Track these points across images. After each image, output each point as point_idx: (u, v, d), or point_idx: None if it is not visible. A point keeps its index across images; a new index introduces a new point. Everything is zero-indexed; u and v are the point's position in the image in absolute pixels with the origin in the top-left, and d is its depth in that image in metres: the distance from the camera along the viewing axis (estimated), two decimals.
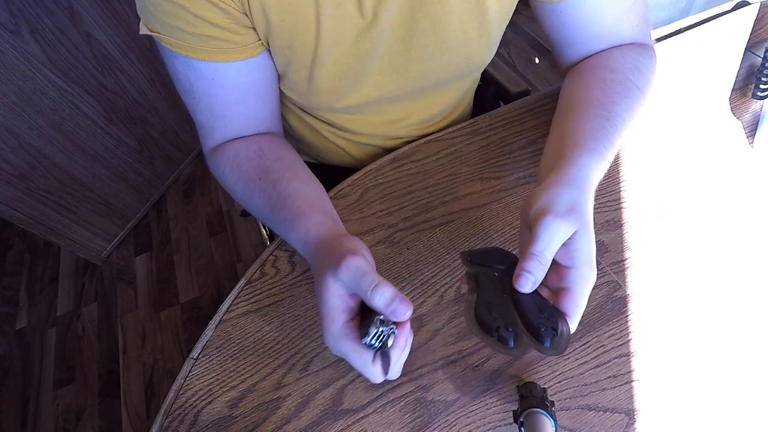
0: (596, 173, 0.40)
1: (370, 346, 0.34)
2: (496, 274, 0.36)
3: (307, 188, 0.48)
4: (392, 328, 0.34)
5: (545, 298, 0.35)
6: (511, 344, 0.31)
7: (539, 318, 0.32)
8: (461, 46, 0.51)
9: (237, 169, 0.50)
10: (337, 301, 0.36)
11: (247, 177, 0.49)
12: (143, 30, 0.44)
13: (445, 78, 0.57)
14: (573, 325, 0.34)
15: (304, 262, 0.51)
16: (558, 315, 0.33)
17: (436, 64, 0.53)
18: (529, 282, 0.33)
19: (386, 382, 0.43)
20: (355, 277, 0.34)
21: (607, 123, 0.44)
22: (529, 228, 0.36)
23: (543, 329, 0.31)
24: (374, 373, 0.35)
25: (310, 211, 0.44)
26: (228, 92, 0.48)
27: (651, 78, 0.50)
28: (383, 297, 0.33)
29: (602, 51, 0.52)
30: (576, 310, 0.34)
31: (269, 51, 0.48)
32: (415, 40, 0.49)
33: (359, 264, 0.34)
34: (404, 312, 0.33)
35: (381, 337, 0.34)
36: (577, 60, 0.54)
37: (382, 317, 0.33)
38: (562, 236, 0.34)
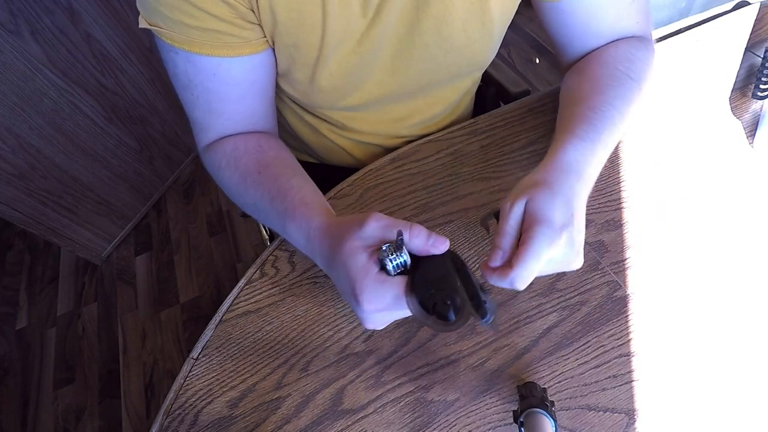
0: (577, 154, 0.41)
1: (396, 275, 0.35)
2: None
3: (307, 185, 0.48)
4: (400, 252, 0.35)
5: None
6: (452, 317, 0.30)
7: (481, 293, 0.31)
8: (463, 45, 0.51)
9: (234, 163, 0.49)
10: (365, 256, 0.36)
11: (246, 170, 0.49)
12: (142, 24, 0.43)
13: (446, 77, 0.57)
14: (519, 267, 0.34)
15: (304, 262, 0.51)
16: (487, 293, 0.33)
17: (437, 63, 0.53)
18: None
19: (386, 381, 0.43)
20: (384, 226, 0.36)
21: (590, 112, 0.44)
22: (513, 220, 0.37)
23: (486, 303, 0.30)
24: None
25: (312, 203, 0.45)
26: (229, 88, 0.47)
27: (646, 69, 0.50)
28: (421, 234, 0.35)
29: (598, 48, 0.52)
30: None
31: (272, 49, 0.48)
32: (417, 38, 0.49)
33: (382, 216, 0.37)
34: (443, 242, 0.35)
35: (397, 262, 0.35)
36: (576, 58, 0.54)
37: (385, 246, 0.34)
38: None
